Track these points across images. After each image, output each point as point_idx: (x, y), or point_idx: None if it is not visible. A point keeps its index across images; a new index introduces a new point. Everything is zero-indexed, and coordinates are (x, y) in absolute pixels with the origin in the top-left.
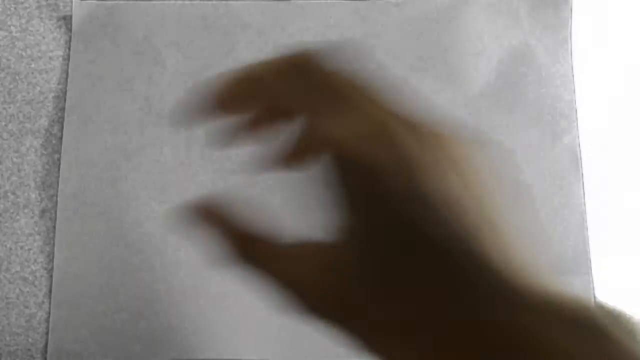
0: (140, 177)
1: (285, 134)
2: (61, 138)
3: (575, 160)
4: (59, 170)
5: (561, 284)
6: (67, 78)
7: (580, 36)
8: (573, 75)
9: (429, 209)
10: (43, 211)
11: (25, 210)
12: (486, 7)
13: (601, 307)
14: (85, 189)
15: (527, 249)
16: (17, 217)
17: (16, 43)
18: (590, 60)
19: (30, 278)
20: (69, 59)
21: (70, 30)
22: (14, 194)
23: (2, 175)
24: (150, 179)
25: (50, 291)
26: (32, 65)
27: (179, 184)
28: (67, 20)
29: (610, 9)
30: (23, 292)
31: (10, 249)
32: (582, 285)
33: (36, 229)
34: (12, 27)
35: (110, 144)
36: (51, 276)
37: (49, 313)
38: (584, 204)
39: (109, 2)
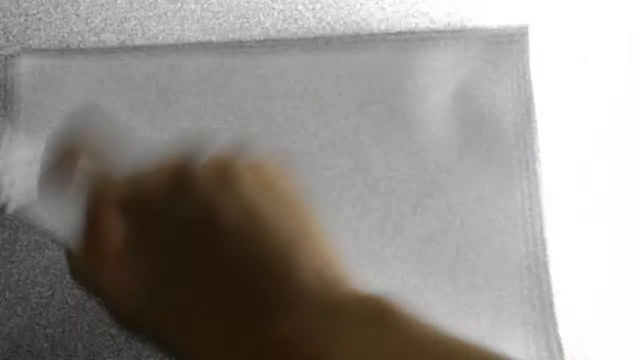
0: None
1: None
2: None
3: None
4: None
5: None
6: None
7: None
8: (533, 102)
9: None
10: None
11: None
12: (440, 47)
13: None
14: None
15: (338, 258)
16: None
17: None
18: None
19: None
20: (11, 122)
21: (11, 91)
22: None
23: None
24: None
25: None
26: None
27: None
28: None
29: (573, 32)
30: None
31: None
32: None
33: None
34: None
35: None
36: None
37: None
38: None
39: (48, 60)
